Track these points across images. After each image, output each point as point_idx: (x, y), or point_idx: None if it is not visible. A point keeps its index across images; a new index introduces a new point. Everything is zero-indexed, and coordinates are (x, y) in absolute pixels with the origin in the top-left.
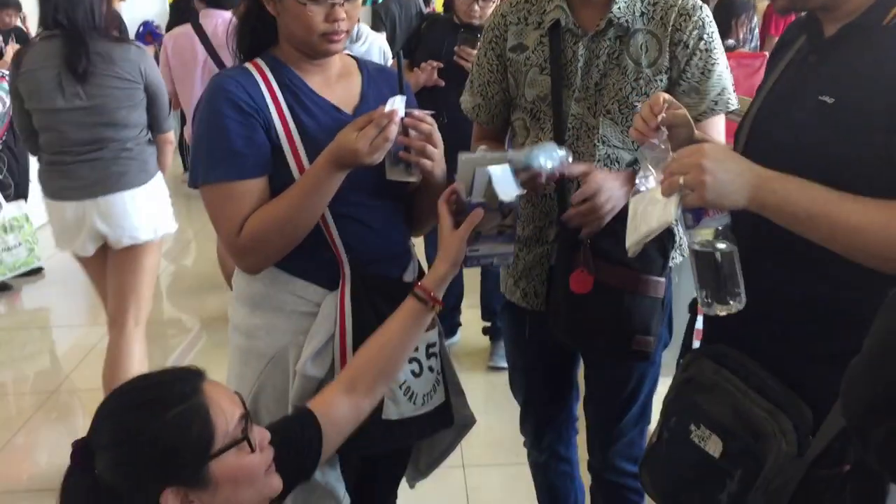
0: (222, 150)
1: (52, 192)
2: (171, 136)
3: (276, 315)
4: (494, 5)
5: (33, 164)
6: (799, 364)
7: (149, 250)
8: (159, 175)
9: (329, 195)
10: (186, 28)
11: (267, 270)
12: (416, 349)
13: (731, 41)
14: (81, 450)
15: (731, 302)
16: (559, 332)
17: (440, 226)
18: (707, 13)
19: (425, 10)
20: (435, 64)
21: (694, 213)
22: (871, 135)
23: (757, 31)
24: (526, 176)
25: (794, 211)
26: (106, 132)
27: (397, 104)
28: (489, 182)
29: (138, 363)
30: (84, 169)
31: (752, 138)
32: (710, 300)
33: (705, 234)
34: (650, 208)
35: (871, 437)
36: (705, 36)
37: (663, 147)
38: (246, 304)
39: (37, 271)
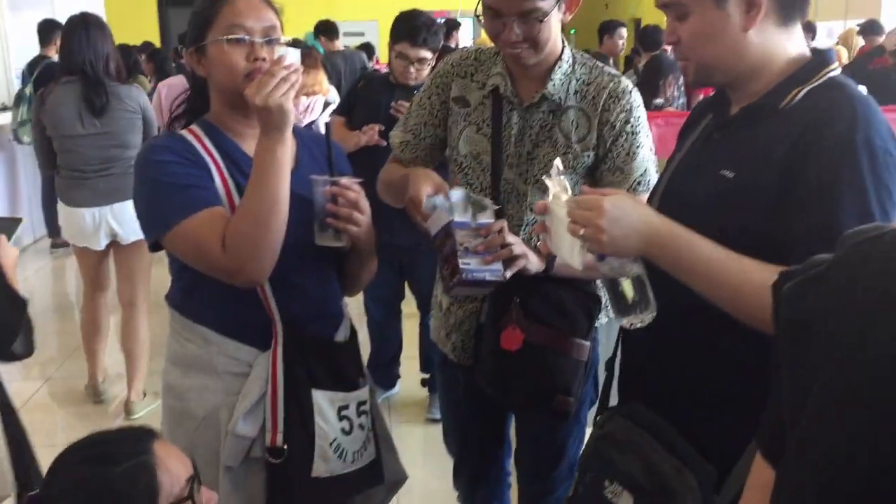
0: (180, 188)
1: (71, 200)
2: None
3: (208, 376)
4: (430, 68)
5: None
6: (709, 420)
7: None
8: None
9: (282, 167)
10: (180, 78)
11: (200, 331)
12: (347, 407)
13: (658, 100)
14: (36, 503)
15: (643, 314)
16: (485, 384)
17: None
18: (636, 98)
19: (368, 65)
20: (377, 127)
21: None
22: (762, 207)
23: (684, 89)
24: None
25: (679, 266)
26: (115, 152)
27: (290, 55)
28: (466, 197)
29: (145, 332)
30: (101, 182)
31: (664, 202)
32: (622, 315)
33: (613, 262)
34: (561, 231)
35: None
36: (632, 119)
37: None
38: (178, 365)
39: None
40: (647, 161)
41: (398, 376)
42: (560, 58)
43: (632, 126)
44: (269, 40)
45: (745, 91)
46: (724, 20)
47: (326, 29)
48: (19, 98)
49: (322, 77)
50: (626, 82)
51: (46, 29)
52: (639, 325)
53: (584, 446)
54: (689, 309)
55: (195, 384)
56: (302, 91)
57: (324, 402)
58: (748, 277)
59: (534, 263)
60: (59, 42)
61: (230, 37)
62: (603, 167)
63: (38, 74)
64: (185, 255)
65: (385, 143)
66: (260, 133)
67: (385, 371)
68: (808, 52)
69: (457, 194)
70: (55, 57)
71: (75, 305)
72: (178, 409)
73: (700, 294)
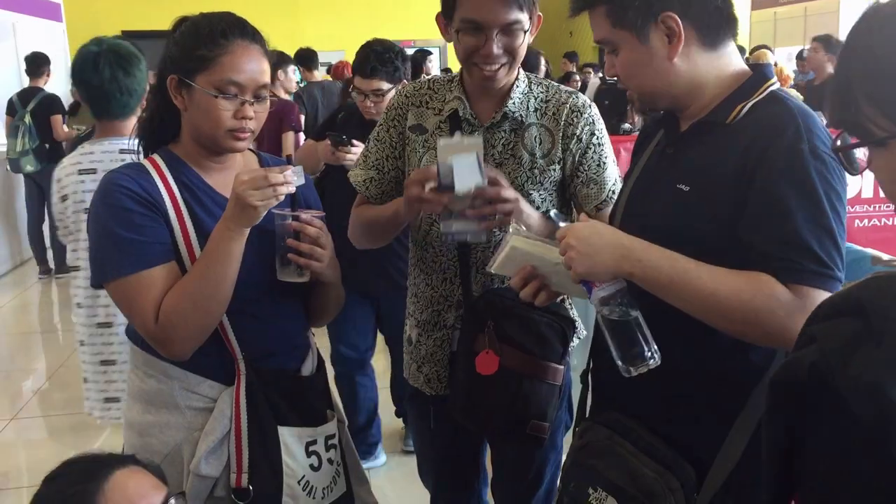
0: (126, 242)
1: None
2: None
3: (170, 412)
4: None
5: None
6: (683, 426)
7: None
8: None
9: (233, 259)
10: None
11: (161, 366)
12: (315, 442)
13: (627, 125)
14: None
15: (648, 361)
16: (457, 414)
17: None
18: (596, 111)
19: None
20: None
21: (586, 286)
22: (719, 216)
23: None
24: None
25: (657, 278)
26: None
27: (295, 174)
28: (452, 170)
29: None
30: None
31: (625, 221)
32: (621, 362)
33: (602, 301)
34: (562, 278)
35: None
36: (597, 132)
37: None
38: (139, 400)
39: None
40: (615, 171)
41: (377, 441)
42: (517, 78)
43: (598, 138)
44: (259, 96)
45: (690, 110)
46: (650, 52)
47: (305, 58)
48: (16, 128)
49: None
50: (584, 97)
51: (35, 62)
52: (642, 371)
53: (565, 457)
54: (665, 325)
55: (157, 420)
56: None
57: (290, 438)
58: (720, 285)
59: (530, 216)
60: (48, 73)
61: (222, 93)
62: (576, 181)
63: (38, 104)
64: (119, 308)
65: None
66: (225, 216)
67: (361, 437)
68: (746, 68)
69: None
70: (46, 88)
71: (59, 328)
72: (140, 446)
73: (677, 305)
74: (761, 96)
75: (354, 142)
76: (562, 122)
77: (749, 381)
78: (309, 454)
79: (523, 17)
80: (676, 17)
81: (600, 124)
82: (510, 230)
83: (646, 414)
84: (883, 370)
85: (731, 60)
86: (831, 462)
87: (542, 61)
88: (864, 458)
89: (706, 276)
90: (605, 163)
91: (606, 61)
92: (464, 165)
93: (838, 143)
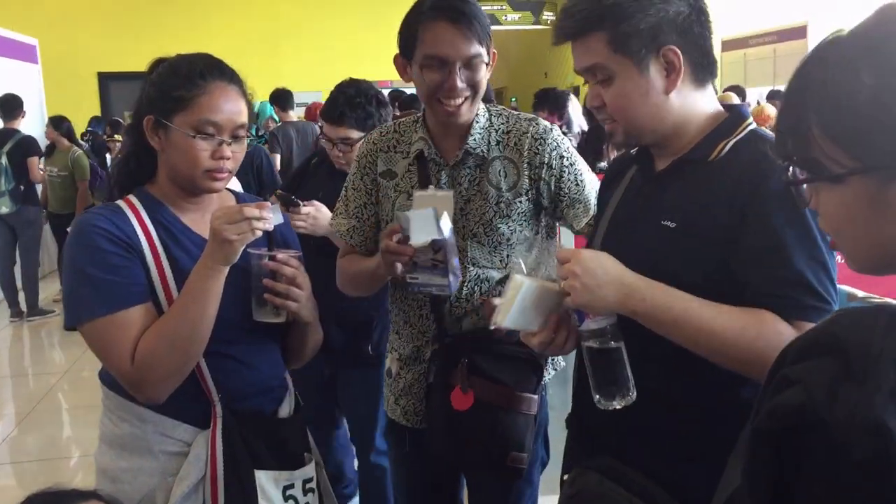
0: (101, 282)
1: None
2: None
3: (143, 457)
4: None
5: None
6: (675, 465)
7: None
8: None
9: (212, 298)
10: None
11: (135, 410)
12: (293, 486)
13: (602, 164)
14: None
15: (625, 396)
16: (437, 447)
17: None
18: (558, 133)
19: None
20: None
21: (578, 314)
22: (710, 253)
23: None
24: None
25: (661, 317)
26: None
27: (272, 211)
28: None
29: None
30: None
31: None
32: (600, 395)
33: (592, 332)
34: (549, 301)
35: None
36: (564, 153)
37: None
38: (113, 446)
39: None
40: (596, 184)
41: (355, 486)
42: (476, 114)
43: (567, 159)
44: (237, 136)
45: (670, 148)
46: (647, 84)
47: (280, 98)
48: None
49: None
50: (545, 123)
51: (9, 103)
52: (617, 407)
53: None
54: (651, 361)
55: (129, 466)
56: None
57: (267, 482)
58: (724, 323)
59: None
60: (23, 115)
61: (200, 134)
62: (561, 205)
63: (16, 146)
64: (93, 351)
65: None
66: (204, 254)
67: (338, 482)
68: (721, 108)
69: (413, 216)
70: (23, 129)
71: (30, 372)
72: (112, 493)
73: (680, 343)
74: (742, 134)
75: (305, 203)
76: (525, 153)
77: (742, 416)
78: (286, 498)
79: (482, 50)
80: (678, 51)
81: (565, 144)
82: (511, 269)
83: (636, 454)
84: (877, 405)
85: (711, 100)
86: (826, 491)
87: (572, 99)
88: (862, 486)
89: (709, 315)
90: (582, 181)
91: (590, 91)
92: (419, 219)
93: (790, 177)
